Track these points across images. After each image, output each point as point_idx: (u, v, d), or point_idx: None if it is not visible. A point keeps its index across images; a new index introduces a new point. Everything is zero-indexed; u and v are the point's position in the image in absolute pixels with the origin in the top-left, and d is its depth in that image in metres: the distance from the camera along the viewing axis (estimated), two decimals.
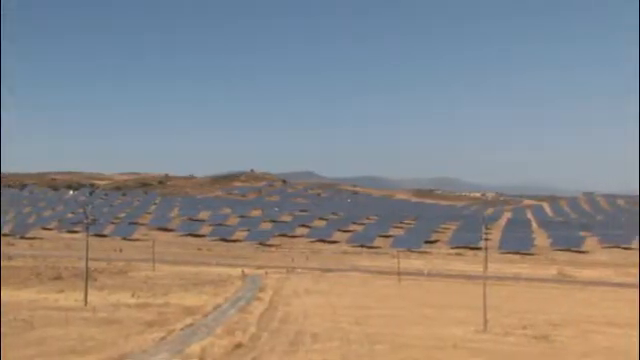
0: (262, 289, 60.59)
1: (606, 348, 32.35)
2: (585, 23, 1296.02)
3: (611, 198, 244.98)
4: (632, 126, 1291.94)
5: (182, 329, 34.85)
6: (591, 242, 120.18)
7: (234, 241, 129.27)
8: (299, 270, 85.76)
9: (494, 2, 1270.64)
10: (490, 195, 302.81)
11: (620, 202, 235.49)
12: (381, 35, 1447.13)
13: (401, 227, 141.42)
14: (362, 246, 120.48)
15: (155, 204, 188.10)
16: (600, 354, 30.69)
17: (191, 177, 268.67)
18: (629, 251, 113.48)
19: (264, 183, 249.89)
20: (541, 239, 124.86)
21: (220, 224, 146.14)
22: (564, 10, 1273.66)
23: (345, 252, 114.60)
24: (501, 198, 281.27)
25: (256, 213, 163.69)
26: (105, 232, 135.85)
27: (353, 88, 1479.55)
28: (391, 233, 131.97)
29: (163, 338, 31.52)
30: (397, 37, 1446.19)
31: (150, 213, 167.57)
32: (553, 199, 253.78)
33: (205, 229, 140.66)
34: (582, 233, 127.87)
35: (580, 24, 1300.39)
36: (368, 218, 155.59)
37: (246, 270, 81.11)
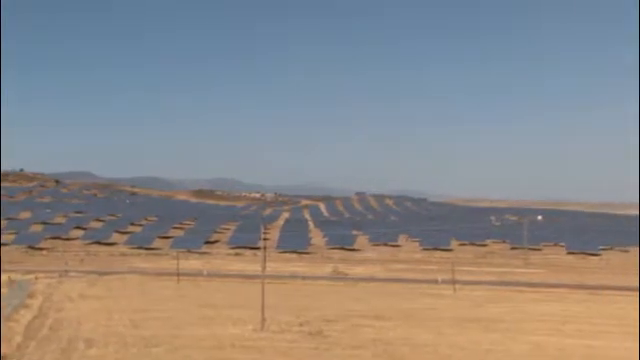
0: (31, 295, 57.08)
1: (373, 340, 34.58)
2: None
3: (380, 198, 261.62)
4: (398, 129, 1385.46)
5: None
6: (362, 240, 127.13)
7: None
8: (73, 274, 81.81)
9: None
10: (269, 196, 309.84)
11: (388, 202, 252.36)
12: (159, 32, 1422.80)
13: (181, 228, 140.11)
14: (141, 247, 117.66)
15: None
16: (368, 346, 32.73)
17: None
18: (395, 248, 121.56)
19: (35, 183, 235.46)
20: (317, 238, 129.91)
21: None
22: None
23: (123, 254, 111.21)
24: (280, 198, 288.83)
25: (25, 215, 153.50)
26: None
27: (127, 86, 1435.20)
28: (171, 234, 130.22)
29: None
30: (176, 35, 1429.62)
31: None
32: (328, 199, 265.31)
33: None
34: (354, 232, 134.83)
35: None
36: (147, 219, 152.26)
37: (13, 276, 75.84)
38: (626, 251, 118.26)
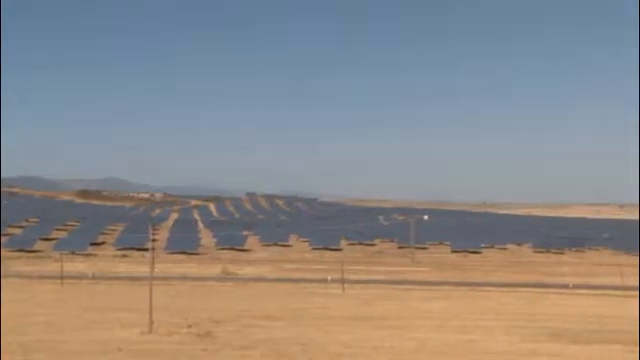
0: None
1: (264, 340, 34.63)
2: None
3: (271, 198, 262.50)
4: (289, 130, 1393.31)
5: None
6: (253, 240, 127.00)
7: None
8: None
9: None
10: (158, 196, 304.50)
11: (279, 202, 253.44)
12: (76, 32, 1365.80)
13: (65, 229, 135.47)
14: (21, 250, 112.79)
15: None
16: (257, 346, 32.79)
17: None
18: (286, 248, 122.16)
19: None
20: (207, 239, 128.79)
21: None
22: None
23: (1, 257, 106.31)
24: (169, 199, 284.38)
25: None
26: None
27: (19, 84, 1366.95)
28: (54, 236, 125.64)
29: None
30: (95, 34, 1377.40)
31: None
32: (218, 199, 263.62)
33: None
34: (245, 232, 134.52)
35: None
36: (27, 220, 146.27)
37: None
38: (505, 249, 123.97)
